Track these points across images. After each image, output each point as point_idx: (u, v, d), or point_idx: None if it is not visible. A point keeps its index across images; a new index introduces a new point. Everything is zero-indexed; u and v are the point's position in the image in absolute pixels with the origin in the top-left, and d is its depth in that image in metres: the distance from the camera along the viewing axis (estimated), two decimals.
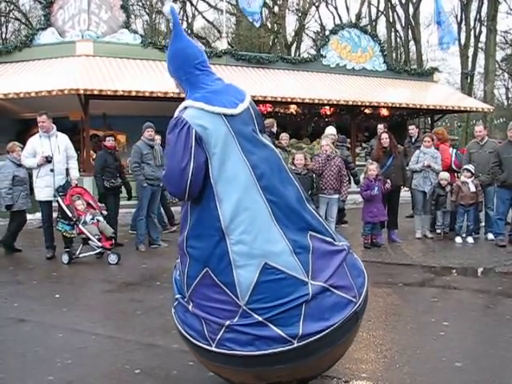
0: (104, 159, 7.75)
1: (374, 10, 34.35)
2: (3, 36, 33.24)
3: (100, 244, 6.80)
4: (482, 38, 30.37)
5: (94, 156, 14.15)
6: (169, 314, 3.10)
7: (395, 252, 7.32)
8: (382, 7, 33.79)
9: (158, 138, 8.43)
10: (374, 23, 33.83)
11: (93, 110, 12.90)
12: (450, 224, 8.18)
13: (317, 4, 33.86)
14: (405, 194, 9.12)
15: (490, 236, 7.86)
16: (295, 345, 2.54)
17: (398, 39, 34.97)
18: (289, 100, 14.69)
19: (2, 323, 4.47)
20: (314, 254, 2.69)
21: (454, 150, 8.99)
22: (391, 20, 33.41)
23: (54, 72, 12.64)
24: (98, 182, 7.77)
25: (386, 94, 16.72)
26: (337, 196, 7.55)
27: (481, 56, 31.88)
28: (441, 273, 6.15)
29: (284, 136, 9.10)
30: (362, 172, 8.14)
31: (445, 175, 8.12)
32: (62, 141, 7.11)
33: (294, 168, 7.02)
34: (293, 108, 16.14)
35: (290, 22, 39.45)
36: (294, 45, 34.00)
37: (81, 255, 6.87)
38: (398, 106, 16.39)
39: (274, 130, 8.81)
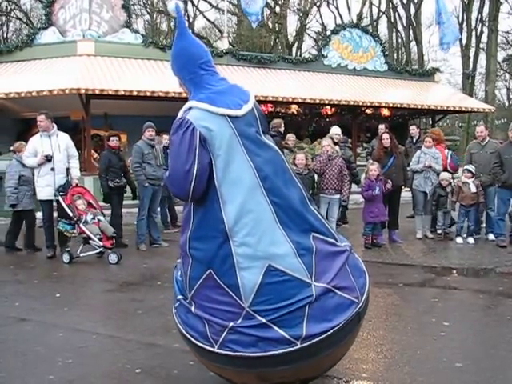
0: (108, 159, 7.77)
1: (375, 10, 34.37)
2: (4, 35, 33.29)
3: (101, 243, 6.81)
4: (484, 38, 30.40)
5: (95, 155, 14.29)
6: (169, 313, 3.11)
7: (396, 252, 7.32)
8: (383, 7, 33.79)
9: (166, 137, 8.44)
10: (375, 23, 33.78)
11: (94, 109, 12.91)
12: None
13: (318, 4, 33.85)
14: (405, 194, 9.12)
15: (491, 236, 7.86)
16: (299, 346, 2.54)
17: (400, 39, 34.94)
18: (290, 100, 14.68)
19: (2, 322, 4.48)
20: (317, 256, 2.69)
21: (450, 152, 8.98)
22: (392, 20, 33.39)
23: (55, 71, 12.65)
24: (103, 182, 7.79)
25: (387, 94, 16.72)
26: (338, 196, 7.56)
27: (482, 56, 31.93)
28: (441, 273, 6.15)
29: (291, 137, 9.02)
30: (362, 172, 8.14)
31: (446, 175, 8.12)
32: (63, 140, 7.11)
33: (295, 168, 7.02)
34: (294, 108, 16.15)
35: (292, 22, 39.45)
36: (296, 45, 34.02)
37: (81, 255, 6.88)
38: (399, 106, 16.39)
39: (282, 130, 8.77)
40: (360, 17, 32.00)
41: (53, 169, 6.92)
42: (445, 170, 8.53)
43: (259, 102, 2.88)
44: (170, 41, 18.13)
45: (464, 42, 29.25)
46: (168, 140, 8.43)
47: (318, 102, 14.96)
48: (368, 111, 17.06)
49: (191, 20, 33.64)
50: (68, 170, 7.10)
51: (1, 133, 13.96)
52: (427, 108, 16.66)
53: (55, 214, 7.13)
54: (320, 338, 2.56)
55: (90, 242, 6.87)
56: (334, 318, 2.62)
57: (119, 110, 13.97)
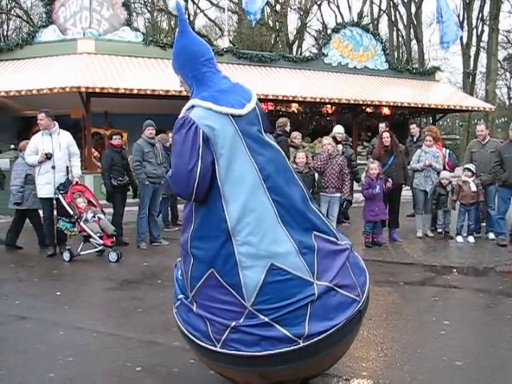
0: (111, 157, 7.77)
1: (376, 9, 34.35)
2: (4, 33, 33.26)
3: (101, 242, 6.81)
4: (484, 37, 30.39)
5: (96, 154, 14.29)
6: (170, 311, 3.11)
7: (396, 251, 7.32)
8: (384, 6, 33.78)
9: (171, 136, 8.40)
10: (375, 22, 33.76)
11: (94, 107, 12.90)
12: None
13: (319, 2, 33.84)
14: (406, 193, 9.12)
15: (491, 235, 7.86)
16: (301, 344, 2.54)
17: (400, 38, 34.91)
18: (290, 98, 14.68)
19: (3, 320, 4.48)
20: (318, 254, 2.70)
21: (448, 151, 8.96)
22: (393, 19, 33.35)
23: (55, 70, 12.64)
24: (106, 181, 7.79)
25: (387, 92, 16.71)
26: (338, 195, 7.58)
27: (483, 55, 31.93)
28: (441, 272, 6.15)
29: (297, 135, 9.01)
30: (363, 171, 8.14)
31: (446, 174, 8.13)
32: (64, 138, 7.11)
33: (295, 166, 7.02)
34: (294, 106, 16.13)
35: (292, 21, 39.55)
36: (296, 43, 34.01)
37: (82, 253, 6.88)
38: (399, 105, 16.38)
39: (287, 129, 8.75)
40: (361, 15, 32.01)
41: (53, 167, 6.92)
42: (443, 168, 8.54)
43: (260, 100, 2.87)
44: (170, 39, 18.09)
45: (465, 40, 29.21)
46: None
47: (318, 100, 14.95)
48: (368, 110, 17.05)
49: (192, 18, 33.60)
50: (68, 168, 7.10)
51: (1, 131, 13.96)
52: (428, 107, 16.66)
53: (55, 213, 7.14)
54: (322, 336, 2.56)
55: (91, 240, 6.88)
56: (335, 316, 2.62)
57: (119, 108, 13.95)
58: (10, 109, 14.05)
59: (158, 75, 13.00)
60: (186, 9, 30.23)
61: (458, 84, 34.75)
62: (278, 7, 31.36)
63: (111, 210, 7.92)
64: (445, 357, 3.56)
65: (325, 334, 2.57)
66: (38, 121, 7.02)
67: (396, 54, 33.91)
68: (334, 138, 8.64)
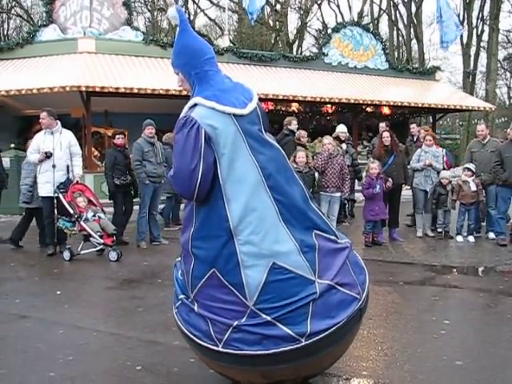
0: (114, 157, 7.78)
1: (376, 9, 34.30)
2: (5, 33, 33.24)
3: (102, 241, 6.82)
4: (485, 36, 30.33)
5: (96, 153, 14.29)
6: (170, 311, 3.11)
7: (396, 250, 7.32)
8: (384, 5, 33.72)
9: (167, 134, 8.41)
10: (376, 21, 33.73)
11: (94, 107, 12.90)
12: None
13: (319, 2, 33.83)
14: (406, 192, 9.13)
15: (491, 235, 7.86)
16: (303, 343, 2.55)
17: (400, 38, 34.87)
18: (290, 98, 14.68)
19: (3, 319, 4.48)
20: (319, 253, 2.70)
21: (444, 150, 8.96)
22: (393, 18, 33.32)
23: (55, 69, 12.64)
24: (109, 180, 7.81)
25: (387, 92, 16.71)
26: (339, 194, 7.58)
27: (483, 55, 31.88)
28: (442, 271, 6.15)
29: (303, 133, 8.99)
30: (363, 170, 8.15)
31: (446, 174, 8.12)
32: (66, 137, 7.11)
33: (295, 166, 7.02)
34: (294, 106, 16.13)
35: (292, 20, 39.56)
36: (296, 43, 33.97)
37: (82, 252, 6.88)
38: (399, 104, 16.38)
39: (292, 127, 8.71)
40: (361, 15, 32.02)
41: (53, 166, 6.92)
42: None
43: (260, 100, 2.87)
44: (170, 38, 18.11)
45: (465, 40, 29.17)
46: (167, 136, 8.44)
47: (318, 100, 14.95)
48: (368, 109, 17.05)
49: (192, 18, 33.59)
50: (69, 167, 7.10)
51: (1, 130, 13.95)
52: (428, 106, 16.66)
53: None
54: (324, 334, 2.57)
55: (91, 239, 6.88)
56: (337, 314, 2.62)
57: (120, 107, 13.96)
58: (10, 108, 14.05)
59: (158, 74, 13.00)
60: (187, 8, 30.29)
61: (458, 84, 34.76)
62: (278, 7, 31.33)
63: (112, 210, 7.92)
64: (445, 356, 3.56)
65: (326, 333, 2.58)
66: (40, 120, 7.03)
67: (396, 53, 33.88)
68: (338, 138, 8.65)
